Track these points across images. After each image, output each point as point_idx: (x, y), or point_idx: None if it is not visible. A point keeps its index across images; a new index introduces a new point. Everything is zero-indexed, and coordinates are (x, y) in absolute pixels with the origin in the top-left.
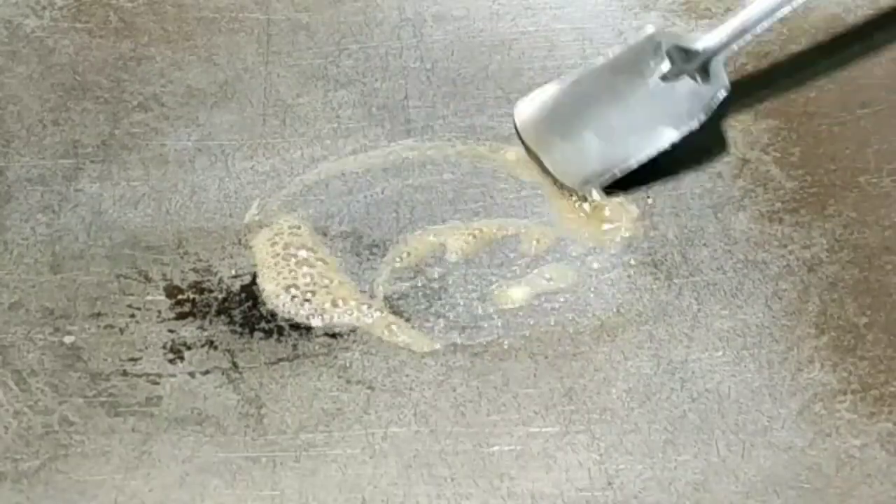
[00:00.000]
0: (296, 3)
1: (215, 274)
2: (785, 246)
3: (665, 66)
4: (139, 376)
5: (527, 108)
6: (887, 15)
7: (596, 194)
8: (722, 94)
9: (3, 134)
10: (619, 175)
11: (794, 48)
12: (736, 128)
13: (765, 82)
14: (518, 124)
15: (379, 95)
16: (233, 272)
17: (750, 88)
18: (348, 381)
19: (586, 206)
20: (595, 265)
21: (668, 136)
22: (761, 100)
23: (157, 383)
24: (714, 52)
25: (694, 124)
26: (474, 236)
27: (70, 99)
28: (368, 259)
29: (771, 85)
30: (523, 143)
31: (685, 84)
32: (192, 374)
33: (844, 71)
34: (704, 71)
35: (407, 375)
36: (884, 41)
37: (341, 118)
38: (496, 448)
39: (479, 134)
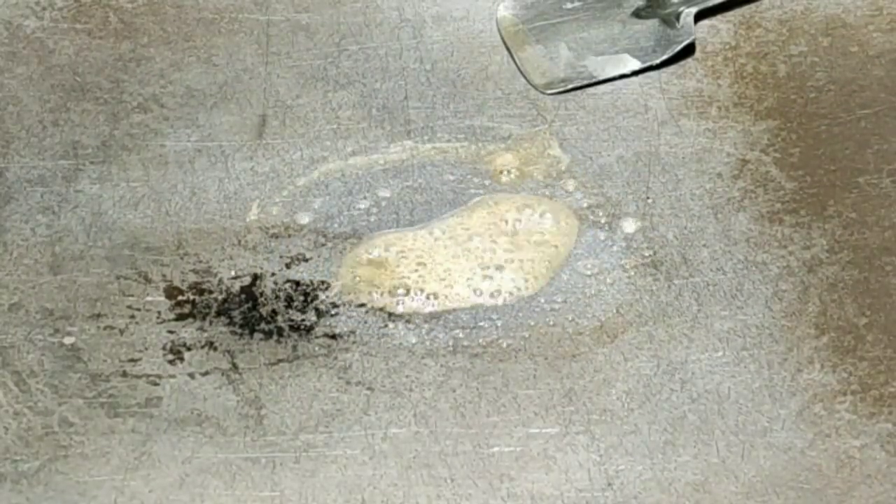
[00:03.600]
0: (295, 4)
1: (215, 275)
2: (785, 247)
3: (641, 2)
4: (139, 377)
5: (511, 6)
6: (887, 15)
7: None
8: (686, 40)
9: (3, 135)
10: (578, 86)
11: (794, 49)
12: (735, 128)
13: (764, 83)
14: (499, 18)
15: (379, 96)
16: (232, 273)
17: (749, 89)
18: (348, 382)
19: (576, 205)
20: (594, 266)
21: (630, 65)
22: (761, 100)
23: (157, 384)
24: (685, 3)
25: (655, 60)
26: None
27: (70, 100)
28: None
29: (770, 85)
30: (500, 35)
31: (654, 24)
32: (191, 375)
33: (844, 71)
34: (676, 19)
35: (407, 376)
36: (883, 42)
37: (341, 119)
38: (496, 449)
39: (479, 135)
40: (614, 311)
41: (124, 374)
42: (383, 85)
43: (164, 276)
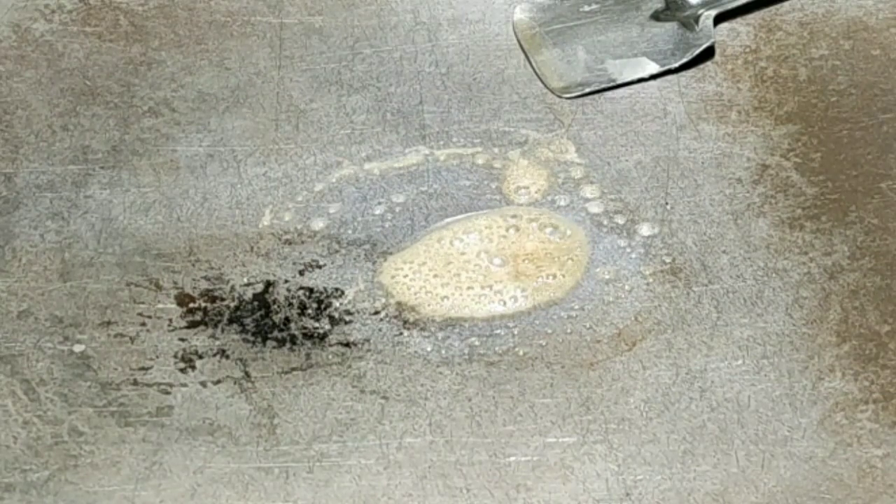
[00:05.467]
0: (309, 7)
1: (227, 282)
2: (806, 253)
3: (659, 5)
4: (150, 385)
5: (528, 9)
6: None
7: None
8: (705, 43)
9: (12, 139)
10: (596, 90)
11: (815, 52)
12: (756, 133)
13: (785, 86)
14: (515, 21)
15: (393, 100)
16: (245, 280)
17: (770, 93)
18: (362, 391)
19: (594, 210)
20: (612, 272)
21: (649, 68)
22: (781, 104)
23: (168, 393)
24: (705, 6)
25: (674, 64)
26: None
27: (79, 104)
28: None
29: (791, 89)
30: (517, 38)
31: (673, 27)
32: (203, 384)
33: (866, 75)
34: (695, 21)
35: (422, 385)
36: None
37: (355, 123)
38: (512, 458)
39: (495, 139)
40: (633, 318)
41: (135, 383)
42: (398, 89)
43: (175, 283)
